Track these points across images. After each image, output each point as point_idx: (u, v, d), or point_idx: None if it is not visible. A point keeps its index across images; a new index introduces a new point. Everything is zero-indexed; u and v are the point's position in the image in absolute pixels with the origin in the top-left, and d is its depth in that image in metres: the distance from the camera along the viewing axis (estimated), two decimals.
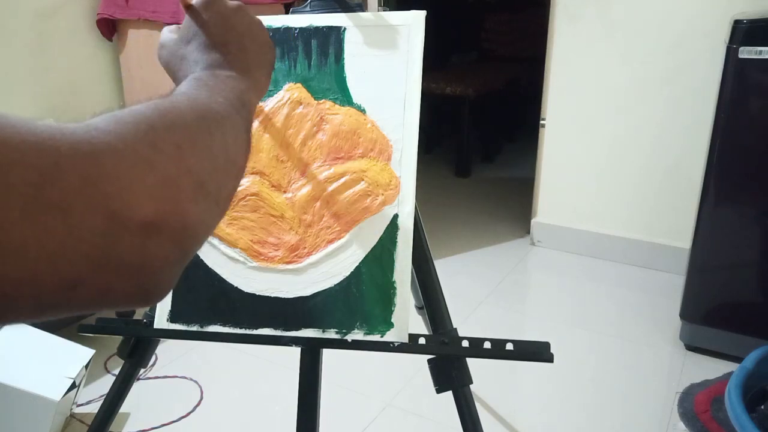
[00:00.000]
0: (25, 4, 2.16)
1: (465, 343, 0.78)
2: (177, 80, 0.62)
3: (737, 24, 1.83)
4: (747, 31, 1.82)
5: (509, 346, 0.71)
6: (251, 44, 0.63)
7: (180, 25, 0.66)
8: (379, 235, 0.77)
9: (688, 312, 2.12)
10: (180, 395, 1.93)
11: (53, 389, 1.54)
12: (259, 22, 0.65)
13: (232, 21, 0.64)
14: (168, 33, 0.68)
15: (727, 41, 1.88)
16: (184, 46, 0.63)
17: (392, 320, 0.75)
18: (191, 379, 2.02)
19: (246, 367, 2.08)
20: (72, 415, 1.73)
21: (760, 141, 1.91)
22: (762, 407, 1.67)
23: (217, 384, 2.01)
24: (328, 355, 0.79)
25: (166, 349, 2.10)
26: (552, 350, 0.77)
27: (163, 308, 0.83)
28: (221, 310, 0.81)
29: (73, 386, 1.61)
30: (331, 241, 0.79)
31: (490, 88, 3.91)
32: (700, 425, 1.80)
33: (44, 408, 1.51)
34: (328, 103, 0.83)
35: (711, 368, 2.03)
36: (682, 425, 1.82)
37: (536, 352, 0.72)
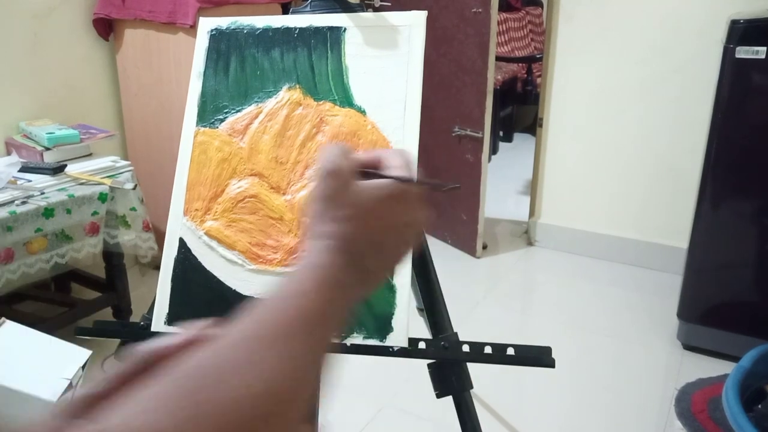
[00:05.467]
0: (21, 4, 2.15)
1: (465, 348, 0.78)
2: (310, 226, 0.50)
3: (734, 24, 1.83)
4: (744, 31, 1.82)
5: (510, 351, 0.71)
6: (395, 245, 0.52)
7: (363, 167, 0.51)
8: None
9: (686, 311, 2.12)
10: None
11: (50, 390, 1.53)
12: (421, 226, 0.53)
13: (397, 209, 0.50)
14: (344, 160, 0.50)
15: (724, 41, 1.88)
16: (337, 207, 0.49)
17: (392, 324, 0.74)
18: None
19: None
20: None
21: (756, 141, 1.91)
22: (759, 406, 1.67)
23: None
24: None
25: None
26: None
27: (160, 311, 0.82)
28: (219, 313, 0.80)
29: (69, 387, 1.61)
30: None
31: None
32: (698, 425, 1.80)
33: (40, 409, 1.50)
34: (328, 104, 0.82)
35: (708, 367, 2.03)
36: (679, 424, 1.82)
37: (537, 357, 0.71)
